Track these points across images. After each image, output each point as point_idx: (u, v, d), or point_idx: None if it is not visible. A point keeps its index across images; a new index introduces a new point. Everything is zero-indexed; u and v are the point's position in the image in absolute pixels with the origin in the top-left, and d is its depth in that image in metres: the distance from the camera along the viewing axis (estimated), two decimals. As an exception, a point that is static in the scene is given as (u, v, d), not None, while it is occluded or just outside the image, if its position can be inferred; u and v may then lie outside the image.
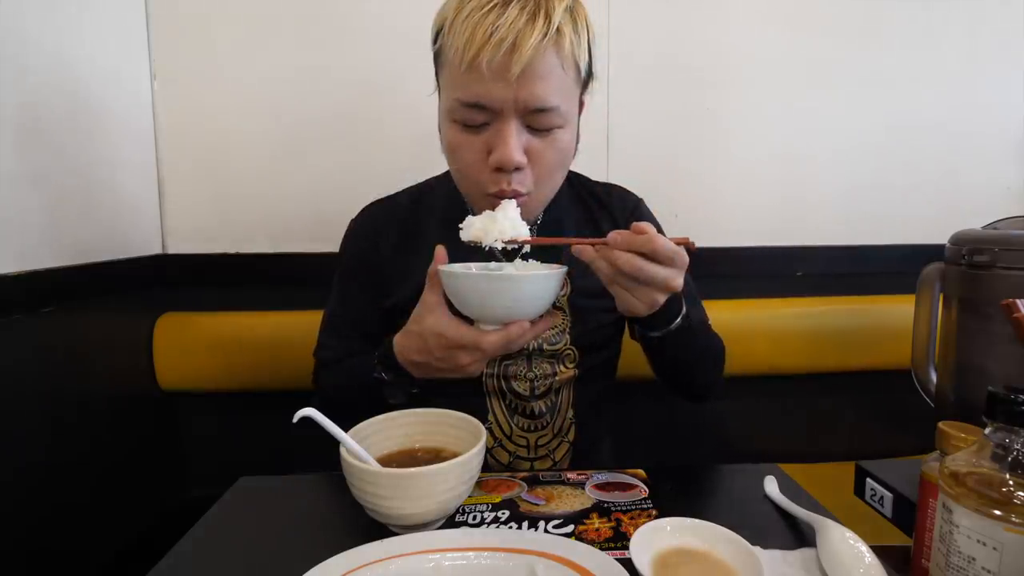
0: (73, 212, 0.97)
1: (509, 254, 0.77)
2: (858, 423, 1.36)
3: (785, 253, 1.30)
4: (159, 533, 1.07)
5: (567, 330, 0.76)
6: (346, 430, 0.54)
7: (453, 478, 0.51)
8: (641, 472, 0.65)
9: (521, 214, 0.72)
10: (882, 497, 0.60)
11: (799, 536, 0.53)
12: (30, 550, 0.86)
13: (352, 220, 0.84)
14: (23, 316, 0.85)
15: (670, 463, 0.68)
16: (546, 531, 0.53)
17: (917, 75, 1.29)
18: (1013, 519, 0.34)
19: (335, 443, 0.53)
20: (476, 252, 0.76)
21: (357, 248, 0.81)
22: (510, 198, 0.66)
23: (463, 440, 0.58)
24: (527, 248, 0.74)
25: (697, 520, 0.48)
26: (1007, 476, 0.36)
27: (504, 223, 0.60)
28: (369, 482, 0.50)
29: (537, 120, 0.64)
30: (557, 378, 0.76)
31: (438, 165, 0.77)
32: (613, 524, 0.54)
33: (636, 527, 0.47)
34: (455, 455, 0.52)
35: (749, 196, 1.29)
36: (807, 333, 1.24)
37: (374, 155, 1.20)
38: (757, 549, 0.46)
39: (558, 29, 0.61)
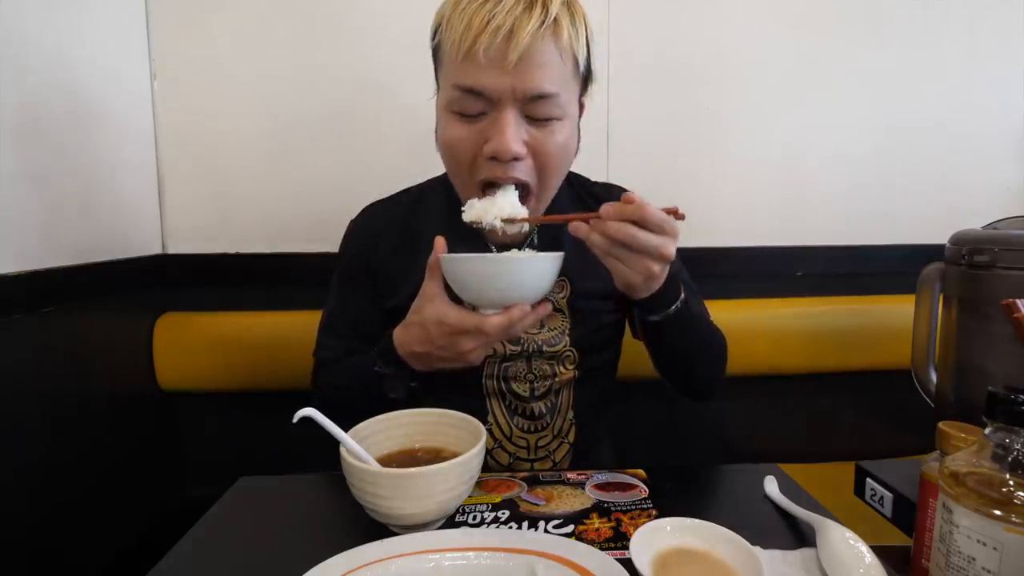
0: (73, 212, 0.97)
1: (507, 248, 0.77)
2: (858, 423, 1.36)
3: (785, 253, 1.30)
4: (159, 533, 1.07)
5: (567, 332, 0.76)
6: (346, 430, 0.54)
7: (453, 478, 0.51)
8: (641, 472, 0.65)
9: (515, 229, 0.72)
10: (882, 497, 0.60)
11: (799, 536, 0.53)
12: (30, 550, 0.86)
13: (351, 221, 0.84)
14: (23, 316, 0.85)
15: (670, 463, 0.68)
16: (546, 531, 0.53)
17: (917, 75, 1.29)
18: (1013, 519, 0.34)
19: (335, 443, 0.53)
20: (476, 249, 0.77)
21: (356, 249, 0.81)
22: (508, 184, 0.66)
23: (463, 440, 0.58)
24: (526, 228, 0.73)
25: (697, 520, 0.48)
26: (1007, 476, 0.36)
27: (504, 204, 0.62)
28: (369, 482, 0.50)
29: (536, 108, 0.64)
30: (557, 379, 0.76)
31: (437, 165, 0.77)
32: (613, 524, 0.54)
33: (636, 527, 0.47)
34: (455, 455, 0.52)
35: (749, 196, 1.29)
36: (807, 333, 1.24)
37: (374, 155, 1.20)
38: (757, 549, 0.46)
39: (555, 19, 0.61)
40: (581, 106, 0.72)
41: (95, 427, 1.00)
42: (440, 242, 0.62)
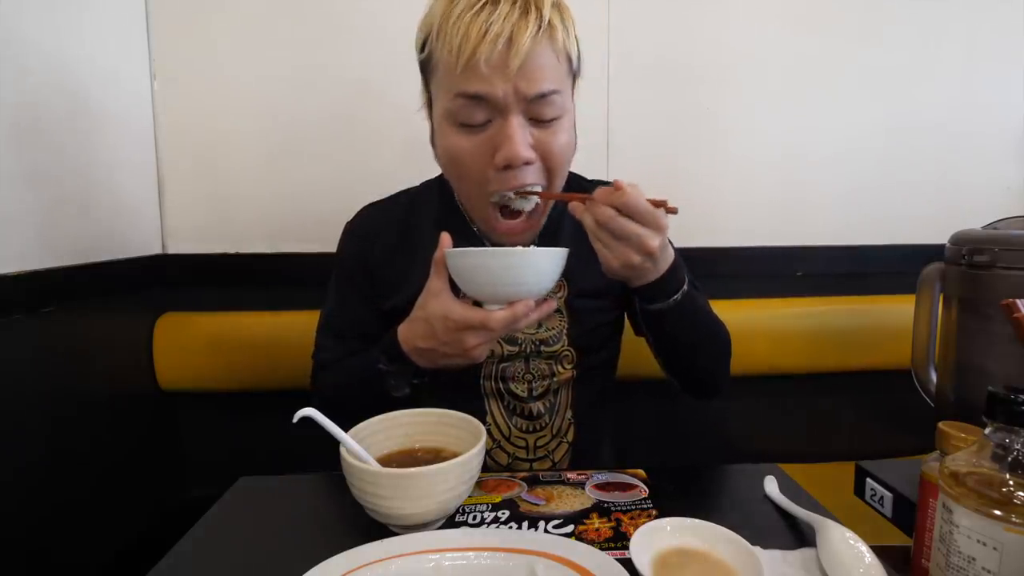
0: (73, 212, 0.97)
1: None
2: (858, 423, 1.36)
3: (785, 253, 1.30)
4: (159, 533, 1.07)
5: (565, 331, 0.76)
6: (346, 430, 0.54)
7: (453, 478, 0.51)
8: (641, 472, 0.65)
9: (530, 234, 0.73)
10: (882, 497, 0.60)
11: (799, 536, 0.53)
12: (30, 550, 0.86)
13: (348, 222, 0.83)
14: (23, 316, 0.85)
15: (670, 463, 0.68)
16: (546, 531, 0.53)
17: (917, 75, 1.29)
18: (1013, 519, 0.34)
19: (335, 443, 0.53)
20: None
21: (354, 250, 0.81)
22: (520, 191, 0.66)
23: (463, 440, 0.58)
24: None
25: (697, 520, 0.48)
26: (1007, 476, 0.36)
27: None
28: (369, 482, 0.50)
29: (539, 110, 0.64)
30: (555, 379, 0.76)
31: (436, 167, 0.77)
32: (613, 524, 0.54)
33: (636, 527, 0.47)
34: (455, 455, 0.52)
35: (749, 196, 1.29)
36: (807, 333, 1.24)
37: (373, 155, 1.20)
38: (757, 549, 0.46)
39: (549, 22, 0.62)
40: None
41: (95, 427, 1.00)
42: (445, 238, 0.62)
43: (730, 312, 1.22)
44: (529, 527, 0.54)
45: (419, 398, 0.69)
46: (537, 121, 0.65)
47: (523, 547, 0.47)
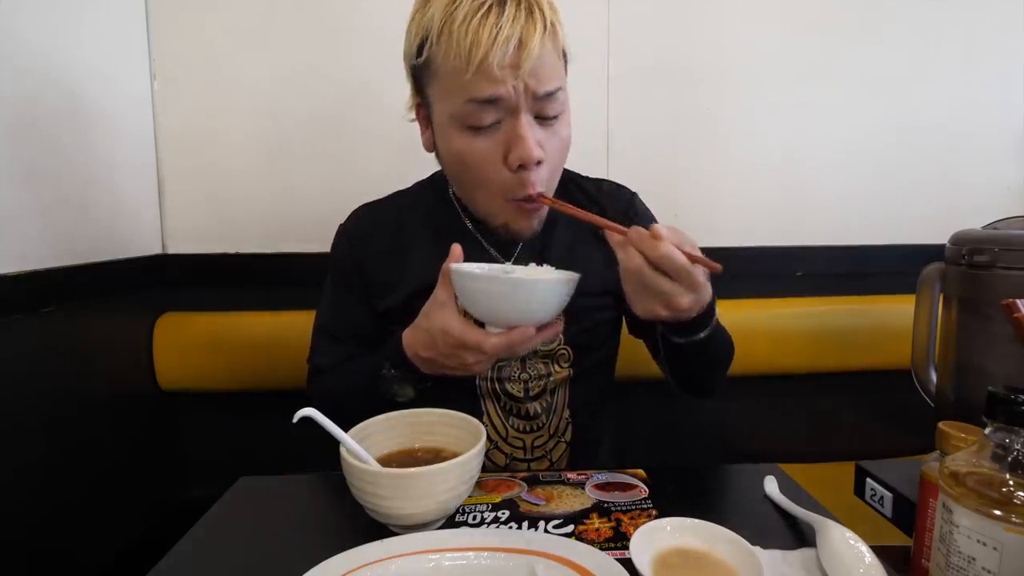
0: (73, 212, 0.97)
1: (506, 247, 0.77)
2: (858, 423, 1.36)
3: (785, 253, 1.30)
4: (159, 533, 1.07)
5: (562, 329, 0.76)
6: (346, 430, 0.54)
7: (453, 478, 0.51)
8: (641, 472, 0.65)
9: (540, 217, 0.72)
10: (882, 497, 0.60)
11: (799, 536, 0.53)
12: (30, 550, 0.86)
13: (341, 224, 0.83)
14: (23, 316, 0.85)
15: (670, 463, 0.68)
16: (546, 531, 0.53)
17: (917, 75, 1.29)
18: (1013, 519, 0.34)
19: (335, 443, 0.53)
20: (473, 251, 0.76)
21: (347, 251, 0.80)
22: (535, 200, 0.66)
23: (463, 440, 0.58)
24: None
25: (697, 520, 0.48)
26: (1007, 476, 0.36)
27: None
28: (369, 482, 0.50)
29: (545, 107, 0.64)
30: (552, 379, 0.76)
31: (434, 167, 0.77)
32: (613, 524, 0.54)
33: (636, 527, 0.47)
34: (455, 455, 0.52)
35: (749, 196, 1.29)
36: (807, 333, 1.24)
37: (373, 155, 1.20)
38: (757, 549, 0.46)
39: (551, 20, 0.62)
40: None
41: (95, 427, 1.00)
42: (456, 249, 0.61)
43: (730, 312, 1.22)
44: (529, 527, 0.54)
45: (416, 399, 0.69)
46: (541, 119, 0.66)
47: (523, 547, 0.47)
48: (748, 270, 1.29)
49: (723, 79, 1.25)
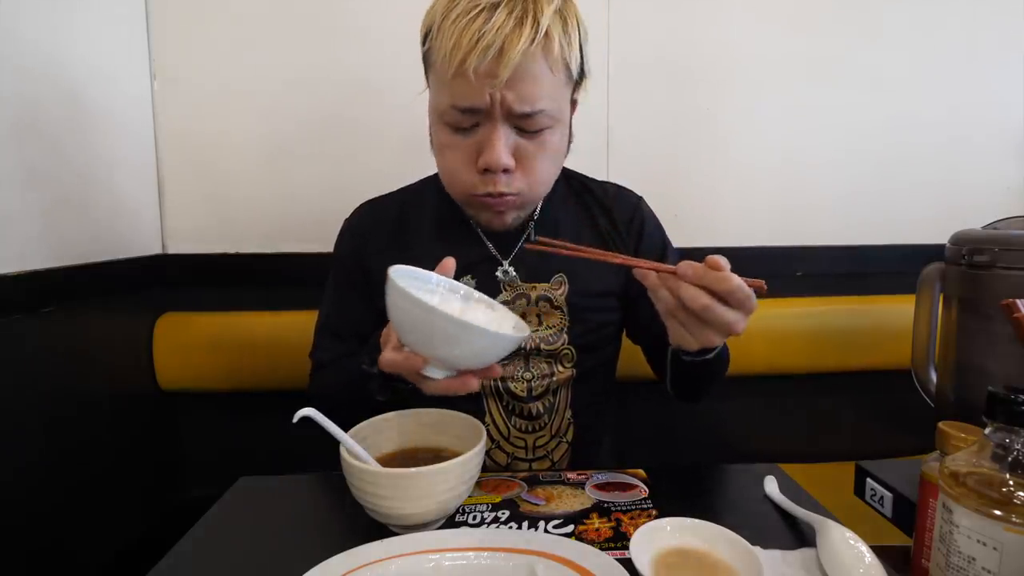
0: (73, 212, 0.97)
1: (502, 237, 0.76)
2: (858, 423, 1.36)
3: (785, 253, 1.30)
4: (159, 533, 1.07)
5: (565, 330, 0.76)
6: (345, 430, 0.54)
7: (453, 478, 0.51)
8: (641, 472, 0.65)
9: (514, 214, 0.72)
10: (882, 497, 0.60)
11: (799, 536, 0.53)
12: (30, 550, 0.86)
13: (345, 220, 0.83)
14: (23, 316, 0.85)
15: (670, 463, 0.68)
16: (546, 531, 0.53)
17: (917, 75, 1.29)
18: (1013, 519, 0.34)
19: (335, 443, 0.53)
20: (471, 245, 0.76)
21: (350, 247, 0.81)
22: (497, 200, 0.67)
23: (463, 440, 0.58)
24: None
25: (697, 520, 0.48)
26: (1007, 476, 0.36)
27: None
28: (369, 482, 0.50)
29: (525, 122, 0.64)
30: (555, 378, 0.76)
31: (434, 165, 0.77)
32: (613, 524, 0.54)
33: (636, 527, 0.47)
34: (455, 455, 0.52)
35: (749, 196, 1.29)
36: (807, 333, 1.24)
37: (373, 155, 1.20)
38: (757, 549, 0.46)
39: (546, 33, 0.60)
40: (574, 103, 0.72)
41: (95, 427, 1.00)
42: (448, 263, 0.58)
43: (730, 312, 1.23)
44: (529, 527, 0.54)
45: (417, 398, 0.69)
46: (522, 131, 0.66)
47: (523, 547, 0.47)
48: (748, 270, 1.28)
49: (723, 79, 1.25)
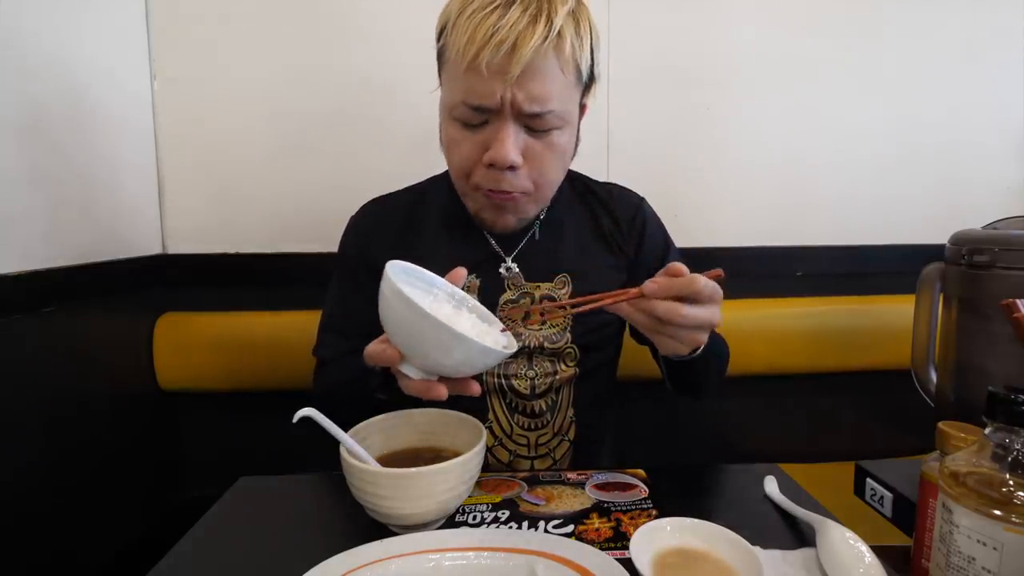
0: (73, 212, 0.97)
1: (507, 238, 0.76)
2: (858, 423, 1.36)
3: (785, 253, 1.30)
4: (159, 533, 1.07)
5: (568, 328, 0.76)
6: (344, 430, 0.54)
7: (453, 478, 0.51)
8: (641, 472, 0.65)
9: (518, 215, 0.73)
10: (882, 497, 0.60)
11: (799, 536, 0.53)
12: (30, 550, 0.86)
13: (352, 217, 0.84)
14: (23, 316, 0.85)
15: (670, 463, 0.68)
16: (546, 531, 0.53)
17: (917, 75, 1.29)
18: (1013, 519, 0.34)
19: (335, 443, 0.53)
20: (476, 245, 0.76)
21: (355, 246, 0.81)
22: (502, 197, 0.68)
23: (463, 440, 0.58)
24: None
25: (697, 520, 0.48)
26: (1007, 476, 0.36)
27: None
28: (369, 482, 0.50)
29: (534, 121, 0.65)
30: (558, 377, 0.76)
31: (437, 165, 0.78)
32: (613, 524, 0.54)
33: (636, 527, 0.47)
34: (455, 455, 0.52)
35: (749, 196, 1.29)
36: (807, 333, 1.24)
37: (374, 155, 1.20)
38: (757, 549, 0.46)
39: (559, 32, 0.61)
40: (583, 107, 0.73)
41: (95, 427, 1.00)
42: (460, 272, 0.59)
43: (730, 312, 1.21)
44: (529, 527, 0.54)
45: (418, 398, 0.69)
46: (532, 130, 0.66)
47: (523, 547, 0.47)
48: (748, 270, 1.29)
49: (723, 79, 1.25)
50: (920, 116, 1.30)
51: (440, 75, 0.71)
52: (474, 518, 0.56)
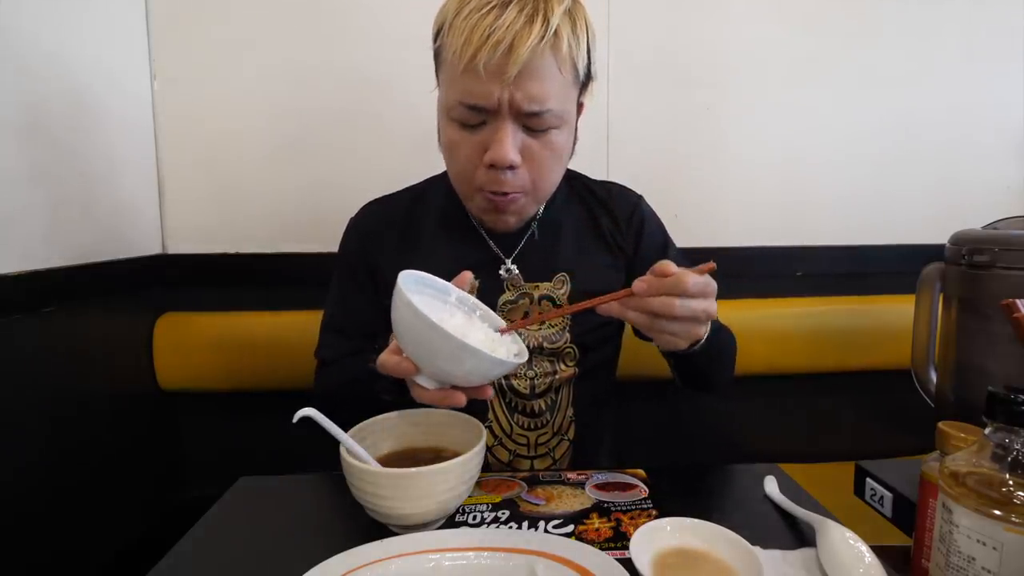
0: (73, 212, 0.97)
1: (506, 238, 0.76)
2: (858, 423, 1.36)
3: (785, 253, 1.30)
4: (159, 533, 1.07)
5: (567, 328, 0.76)
6: (345, 430, 0.54)
7: (453, 478, 0.51)
8: (641, 472, 0.65)
9: (517, 215, 0.73)
10: (882, 497, 0.60)
11: (799, 536, 0.53)
12: (30, 550, 0.86)
13: (352, 218, 0.84)
14: (23, 316, 0.85)
15: (670, 463, 0.68)
16: (546, 531, 0.53)
17: (917, 75, 1.29)
18: (1013, 519, 0.34)
19: (335, 443, 0.53)
20: (475, 246, 0.76)
21: (356, 246, 0.81)
22: (501, 198, 0.68)
23: (463, 440, 0.58)
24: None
25: (697, 520, 0.48)
26: (1007, 476, 0.36)
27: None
28: (369, 482, 0.50)
29: (532, 121, 0.65)
30: (557, 376, 0.76)
31: (437, 165, 0.77)
32: (613, 524, 0.54)
33: (636, 527, 0.47)
34: (455, 455, 0.52)
35: (749, 196, 1.29)
36: (807, 333, 1.24)
37: (375, 155, 1.20)
38: (757, 549, 0.46)
39: (556, 32, 0.61)
40: (580, 106, 0.73)
41: (95, 427, 1.00)
42: (466, 276, 0.59)
43: (730, 312, 1.22)
44: (529, 527, 0.54)
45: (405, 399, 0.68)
46: (530, 129, 0.66)
47: (523, 547, 0.47)
48: (748, 270, 1.29)
49: (723, 78, 1.25)
50: (920, 115, 1.30)
51: (438, 76, 0.72)
52: (474, 518, 0.56)
